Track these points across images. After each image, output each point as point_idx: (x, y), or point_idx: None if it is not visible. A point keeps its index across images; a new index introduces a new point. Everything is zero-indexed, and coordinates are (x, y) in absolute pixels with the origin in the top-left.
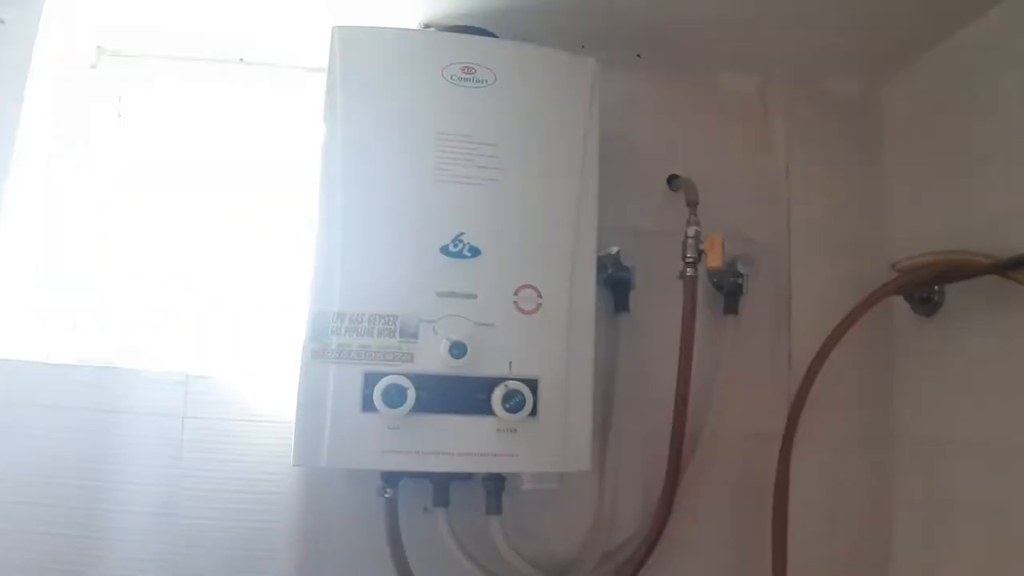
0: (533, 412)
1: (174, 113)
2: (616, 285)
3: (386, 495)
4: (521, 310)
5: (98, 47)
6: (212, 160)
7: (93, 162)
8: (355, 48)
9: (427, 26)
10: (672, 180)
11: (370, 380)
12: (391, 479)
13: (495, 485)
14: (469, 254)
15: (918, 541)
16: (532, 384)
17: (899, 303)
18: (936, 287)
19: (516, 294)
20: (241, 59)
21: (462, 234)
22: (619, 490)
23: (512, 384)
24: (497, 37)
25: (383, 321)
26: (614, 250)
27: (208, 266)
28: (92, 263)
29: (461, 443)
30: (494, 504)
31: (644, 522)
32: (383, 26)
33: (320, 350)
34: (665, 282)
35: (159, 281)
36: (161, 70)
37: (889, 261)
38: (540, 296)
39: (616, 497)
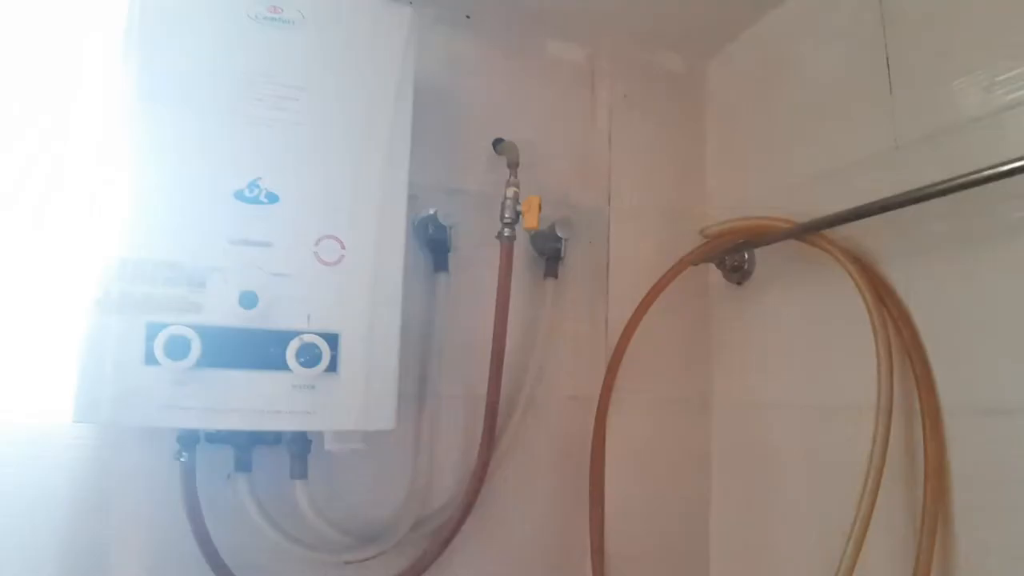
0: (333, 368)
1: None
2: (435, 246)
3: (182, 459)
4: (322, 261)
5: None
6: None
7: None
8: None
9: None
10: (497, 143)
11: (153, 331)
12: (187, 441)
13: (300, 448)
14: (266, 200)
15: (737, 497)
16: (332, 339)
17: (714, 271)
18: (746, 255)
19: (317, 244)
20: None
21: (259, 179)
22: (436, 454)
23: (308, 338)
24: None
25: (169, 268)
26: (431, 211)
27: None
28: None
29: (254, 400)
30: (299, 468)
31: (461, 486)
32: None
33: (101, 298)
34: (487, 244)
35: None
36: None
37: (701, 231)
38: (343, 247)
39: (432, 461)
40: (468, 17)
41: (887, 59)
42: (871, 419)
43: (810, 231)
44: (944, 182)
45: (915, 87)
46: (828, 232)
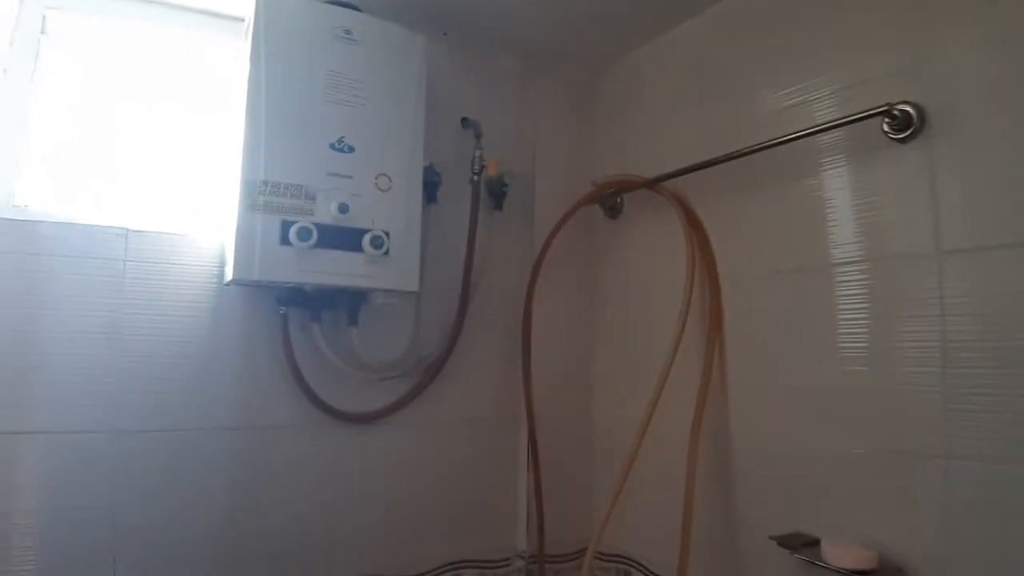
0: (386, 252)
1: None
2: (429, 186)
3: (281, 312)
4: (379, 188)
5: None
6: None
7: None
8: (274, 9)
9: None
10: (464, 121)
11: (285, 225)
12: (284, 301)
13: (354, 304)
14: (348, 150)
15: (612, 348)
16: (386, 234)
17: (597, 210)
18: (618, 199)
19: (376, 178)
20: None
21: (343, 137)
22: (429, 316)
23: (376, 232)
24: (361, 11)
25: (293, 188)
26: (427, 163)
27: (140, 147)
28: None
29: (344, 267)
30: (353, 318)
31: (442, 339)
32: None
33: (251, 204)
34: (459, 186)
35: (104, 157)
36: None
37: (592, 183)
38: (391, 181)
39: (426, 322)
40: (445, 34)
41: (702, 87)
42: (683, 286)
43: (654, 183)
44: (724, 155)
45: (718, 103)
46: (665, 184)
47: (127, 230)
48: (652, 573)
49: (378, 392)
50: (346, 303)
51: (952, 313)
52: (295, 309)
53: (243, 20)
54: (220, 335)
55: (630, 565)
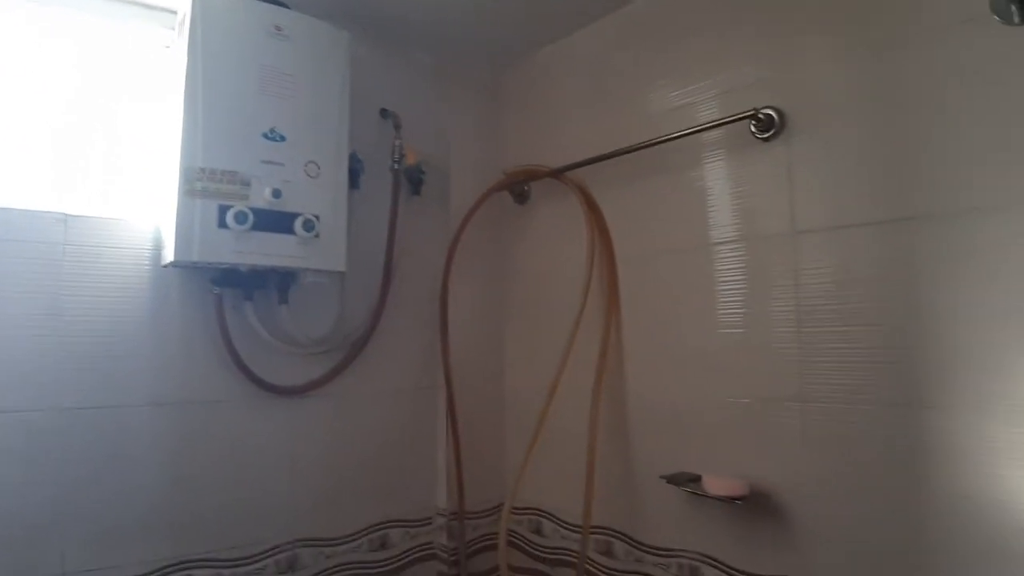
0: (316, 234)
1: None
2: (352, 172)
3: (215, 292)
4: (308, 175)
5: None
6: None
7: None
8: (210, 5)
9: None
10: (383, 112)
11: (222, 209)
12: (219, 281)
13: (284, 284)
14: (279, 139)
15: (522, 321)
16: (316, 217)
17: (507, 196)
18: (526, 187)
19: (306, 166)
20: None
21: (275, 127)
22: (354, 296)
23: (308, 216)
24: (290, 8)
25: (229, 175)
26: (351, 151)
27: (72, 134)
28: None
29: (277, 249)
30: (283, 297)
31: (367, 315)
32: None
33: (190, 190)
34: (379, 173)
35: (36, 145)
36: None
37: (503, 171)
38: (319, 168)
39: (352, 300)
40: (365, 30)
41: (600, 87)
42: (584, 264)
43: (558, 173)
44: (621, 149)
45: (614, 102)
46: (568, 173)
47: (66, 215)
48: (560, 520)
49: (308, 366)
50: (277, 283)
51: (805, 283)
52: (228, 289)
53: (175, 12)
54: (157, 315)
55: (541, 515)
